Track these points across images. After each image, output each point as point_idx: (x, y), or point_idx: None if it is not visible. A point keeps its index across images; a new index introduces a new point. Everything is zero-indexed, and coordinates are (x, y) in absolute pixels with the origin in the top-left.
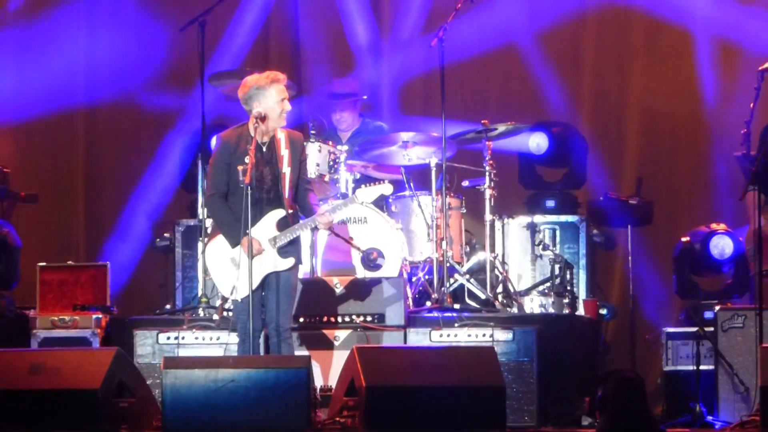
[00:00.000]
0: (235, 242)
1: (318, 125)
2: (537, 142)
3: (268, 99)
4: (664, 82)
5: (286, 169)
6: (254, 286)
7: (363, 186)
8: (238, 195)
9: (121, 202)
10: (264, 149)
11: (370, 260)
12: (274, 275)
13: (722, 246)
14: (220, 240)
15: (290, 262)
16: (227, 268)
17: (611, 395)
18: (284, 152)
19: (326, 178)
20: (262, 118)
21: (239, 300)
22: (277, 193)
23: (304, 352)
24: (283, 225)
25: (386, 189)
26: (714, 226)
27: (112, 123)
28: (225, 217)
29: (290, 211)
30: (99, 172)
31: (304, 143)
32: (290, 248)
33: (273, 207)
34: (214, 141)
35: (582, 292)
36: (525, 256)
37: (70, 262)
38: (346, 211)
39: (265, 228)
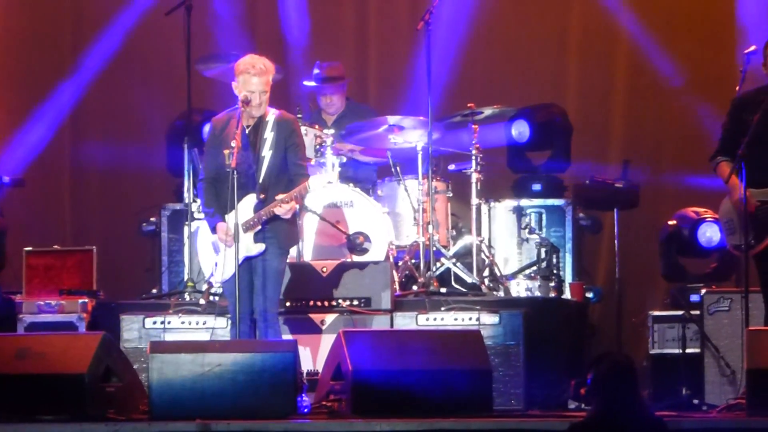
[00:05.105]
0: (211, 229)
1: (304, 109)
2: (519, 130)
3: (245, 85)
4: (650, 64)
5: (267, 153)
6: (231, 271)
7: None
8: (222, 179)
9: (106, 186)
10: (248, 132)
11: (357, 244)
12: (260, 261)
13: (710, 234)
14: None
15: (260, 247)
16: (209, 252)
17: (603, 379)
18: (268, 135)
19: (312, 162)
20: (246, 102)
21: (219, 282)
22: (255, 178)
23: (291, 337)
24: (259, 210)
25: (332, 177)
26: (701, 211)
27: (97, 107)
28: (207, 203)
29: (262, 196)
30: (85, 156)
31: (296, 126)
32: (264, 234)
33: (252, 191)
34: (207, 127)
35: (568, 276)
36: (511, 239)
37: (56, 247)
38: (305, 200)
39: (241, 213)
